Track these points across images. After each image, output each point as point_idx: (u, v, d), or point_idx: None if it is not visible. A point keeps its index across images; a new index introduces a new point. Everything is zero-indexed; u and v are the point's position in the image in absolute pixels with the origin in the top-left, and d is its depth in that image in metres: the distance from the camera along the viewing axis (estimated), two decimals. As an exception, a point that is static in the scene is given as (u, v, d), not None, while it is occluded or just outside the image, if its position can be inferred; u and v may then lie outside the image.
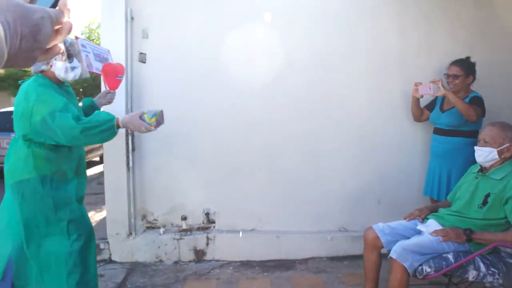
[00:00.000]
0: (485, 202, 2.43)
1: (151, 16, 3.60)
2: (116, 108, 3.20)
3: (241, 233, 3.74)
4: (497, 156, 2.47)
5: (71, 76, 2.45)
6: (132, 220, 3.65)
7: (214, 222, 3.79)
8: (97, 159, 10.36)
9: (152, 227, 3.78)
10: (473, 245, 2.38)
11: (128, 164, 3.58)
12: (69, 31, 0.67)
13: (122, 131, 3.19)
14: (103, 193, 3.72)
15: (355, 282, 3.21)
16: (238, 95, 3.66)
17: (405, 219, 2.74)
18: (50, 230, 2.37)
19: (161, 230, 3.71)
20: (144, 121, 2.38)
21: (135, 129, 2.42)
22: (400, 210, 3.12)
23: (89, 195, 5.11)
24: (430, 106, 3.52)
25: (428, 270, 2.30)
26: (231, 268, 3.57)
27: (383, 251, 2.63)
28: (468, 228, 2.38)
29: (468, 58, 3.34)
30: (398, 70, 3.74)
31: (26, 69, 15.66)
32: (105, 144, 3.51)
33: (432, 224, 2.58)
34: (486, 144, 2.51)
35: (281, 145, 3.73)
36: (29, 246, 2.34)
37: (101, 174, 3.28)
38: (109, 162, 3.61)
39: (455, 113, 3.21)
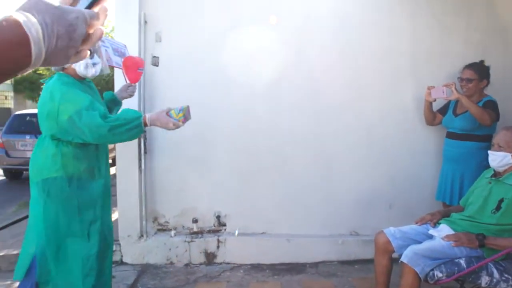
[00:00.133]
0: (498, 207, 2.40)
1: (164, 20, 3.63)
2: (129, 111, 3.22)
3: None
4: (511, 161, 2.44)
5: (92, 72, 2.46)
6: (144, 222, 3.67)
7: (225, 225, 3.80)
8: (110, 161, 10.43)
9: (163, 229, 3.80)
10: (486, 250, 2.35)
11: (140, 166, 3.61)
12: (100, 37, 0.71)
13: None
14: (115, 195, 3.74)
15: (366, 286, 3.20)
16: (249, 98, 3.67)
17: (416, 223, 2.71)
18: (71, 231, 2.37)
19: (172, 232, 3.73)
20: (171, 117, 2.36)
21: (163, 126, 2.38)
22: (411, 214, 3.09)
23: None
24: (443, 110, 3.49)
25: (440, 275, 2.28)
26: (241, 271, 3.58)
27: (394, 255, 2.61)
28: (480, 233, 2.35)
29: (482, 61, 3.32)
30: (411, 74, 3.72)
31: (40, 72, 15.88)
32: (118, 147, 3.55)
33: (444, 229, 2.56)
34: (500, 148, 2.49)
35: (292, 148, 3.73)
36: (48, 246, 2.35)
37: (113, 176, 3.31)
38: (122, 165, 3.64)
39: (468, 117, 3.18)
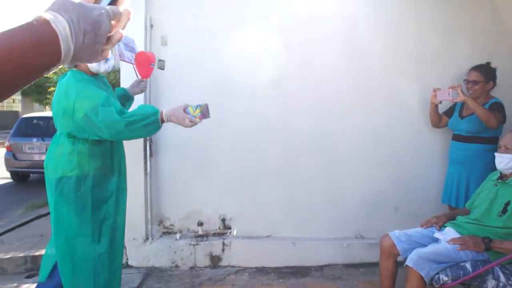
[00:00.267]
0: (505, 210, 2.38)
1: (170, 24, 3.65)
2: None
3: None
4: (518, 163, 2.42)
5: (104, 68, 2.45)
6: (149, 225, 3.68)
7: (230, 228, 3.80)
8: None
9: (168, 232, 3.81)
10: (492, 254, 2.33)
11: (145, 169, 3.62)
12: (119, 39, 0.74)
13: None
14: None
15: (371, 290, 3.18)
16: (254, 101, 3.67)
17: (422, 226, 2.69)
18: (82, 231, 2.35)
19: (178, 235, 3.73)
20: (188, 113, 2.32)
21: (179, 122, 2.32)
22: (417, 217, 3.07)
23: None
24: (449, 112, 3.47)
25: (445, 279, 2.26)
26: (246, 274, 3.57)
27: (399, 258, 2.59)
28: (486, 236, 2.34)
29: (488, 63, 3.30)
30: (416, 76, 3.71)
31: (48, 75, 16.02)
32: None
33: (450, 232, 2.54)
34: (507, 150, 2.47)
35: (297, 151, 3.73)
36: (58, 245, 2.34)
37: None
38: (127, 167, 3.64)
39: (474, 119, 3.16)
